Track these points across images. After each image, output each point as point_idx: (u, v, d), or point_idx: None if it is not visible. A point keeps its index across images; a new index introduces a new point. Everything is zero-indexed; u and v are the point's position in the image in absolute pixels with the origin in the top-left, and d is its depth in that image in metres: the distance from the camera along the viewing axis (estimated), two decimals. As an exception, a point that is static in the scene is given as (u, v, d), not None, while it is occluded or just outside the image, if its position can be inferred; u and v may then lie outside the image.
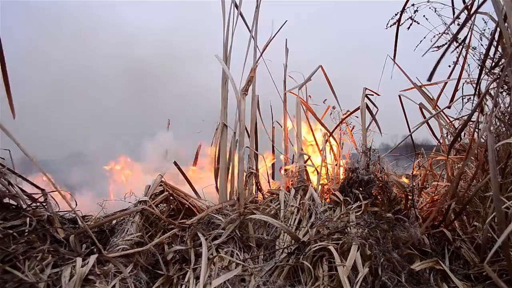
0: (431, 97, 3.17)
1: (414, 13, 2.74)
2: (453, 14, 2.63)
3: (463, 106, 2.79)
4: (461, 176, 2.41)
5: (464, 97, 2.84)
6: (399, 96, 3.30)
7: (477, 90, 2.41)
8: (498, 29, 2.17)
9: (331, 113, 3.63)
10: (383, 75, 3.15)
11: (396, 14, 2.80)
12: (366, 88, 3.26)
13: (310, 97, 3.80)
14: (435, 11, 2.69)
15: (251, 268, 2.02)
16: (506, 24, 2.05)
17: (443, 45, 2.63)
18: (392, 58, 3.07)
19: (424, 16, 2.74)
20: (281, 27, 3.45)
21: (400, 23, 2.79)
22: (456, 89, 2.74)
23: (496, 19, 2.18)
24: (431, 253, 2.11)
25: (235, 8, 3.21)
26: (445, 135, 3.19)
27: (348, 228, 2.07)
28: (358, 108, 3.28)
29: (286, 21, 3.46)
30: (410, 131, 3.15)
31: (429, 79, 1.83)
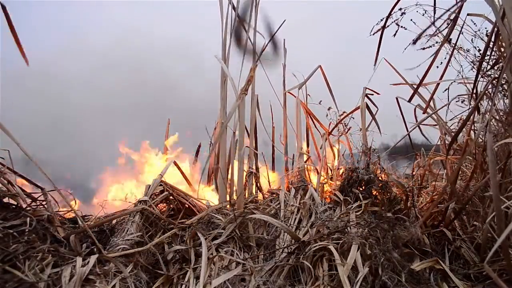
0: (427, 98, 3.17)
1: (401, 15, 2.70)
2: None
3: (448, 106, 2.81)
4: (457, 175, 2.42)
5: (459, 97, 2.86)
6: (397, 98, 3.30)
7: (475, 90, 2.42)
8: (495, 29, 2.18)
9: (327, 115, 3.64)
10: (383, 75, 3.15)
11: (381, 20, 2.77)
12: (366, 88, 3.26)
13: (309, 95, 3.82)
14: (424, 13, 2.68)
15: (251, 267, 2.02)
16: (504, 23, 2.05)
17: (431, 46, 2.64)
18: (387, 60, 3.07)
19: (411, 20, 2.72)
20: (279, 27, 3.44)
21: (388, 28, 2.76)
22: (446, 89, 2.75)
23: (492, 20, 2.19)
24: (431, 252, 2.11)
25: (233, 10, 3.21)
26: (443, 135, 3.20)
27: (348, 228, 2.07)
28: (357, 108, 3.28)
29: (285, 20, 3.45)
30: (407, 131, 3.17)
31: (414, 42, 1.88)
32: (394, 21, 2.71)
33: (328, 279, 1.81)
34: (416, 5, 2.68)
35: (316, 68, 3.82)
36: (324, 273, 1.84)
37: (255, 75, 3.12)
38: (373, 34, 2.80)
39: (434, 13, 2.59)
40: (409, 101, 2.82)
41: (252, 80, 3.08)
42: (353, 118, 3.44)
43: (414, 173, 3.19)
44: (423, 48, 2.68)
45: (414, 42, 2.31)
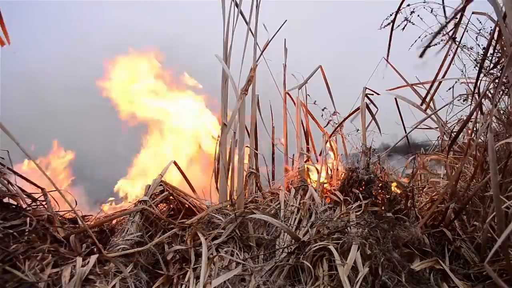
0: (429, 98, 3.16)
1: (411, 14, 2.70)
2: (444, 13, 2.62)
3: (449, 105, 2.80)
4: (459, 176, 2.41)
5: (460, 96, 2.86)
6: (395, 99, 3.29)
7: (477, 89, 2.41)
8: (497, 28, 2.18)
9: (322, 115, 3.64)
10: (382, 75, 3.15)
11: (390, 15, 2.77)
12: (366, 88, 3.26)
13: (309, 95, 3.82)
14: (431, 11, 2.67)
15: (251, 267, 2.02)
16: (506, 23, 2.04)
17: (437, 44, 2.63)
18: (386, 58, 3.06)
19: (418, 15, 2.70)
20: (280, 27, 3.45)
21: (395, 24, 2.75)
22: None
23: (495, 19, 2.18)
24: (431, 252, 2.11)
25: (235, 7, 3.21)
26: (442, 135, 3.20)
27: (348, 228, 2.07)
28: (358, 109, 3.28)
29: (286, 20, 3.45)
30: (405, 132, 3.17)
31: (421, 55, 1.89)
32: (405, 19, 2.70)
33: (328, 279, 1.81)
34: (424, 2, 2.66)
35: (316, 68, 3.81)
36: (324, 273, 1.84)
37: (256, 74, 3.12)
38: (384, 27, 2.79)
39: (445, 12, 2.58)
40: (422, 104, 2.82)
41: (253, 80, 3.08)
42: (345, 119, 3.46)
43: (413, 173, 3.18)
44: (426, 47, 2.68)
45: (425, 49, 2.29)
